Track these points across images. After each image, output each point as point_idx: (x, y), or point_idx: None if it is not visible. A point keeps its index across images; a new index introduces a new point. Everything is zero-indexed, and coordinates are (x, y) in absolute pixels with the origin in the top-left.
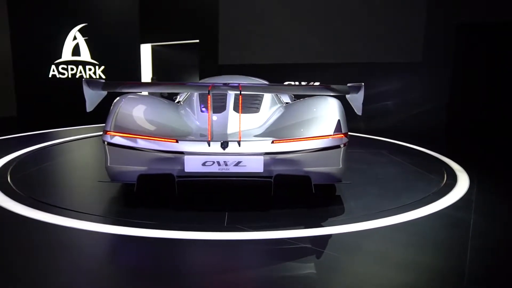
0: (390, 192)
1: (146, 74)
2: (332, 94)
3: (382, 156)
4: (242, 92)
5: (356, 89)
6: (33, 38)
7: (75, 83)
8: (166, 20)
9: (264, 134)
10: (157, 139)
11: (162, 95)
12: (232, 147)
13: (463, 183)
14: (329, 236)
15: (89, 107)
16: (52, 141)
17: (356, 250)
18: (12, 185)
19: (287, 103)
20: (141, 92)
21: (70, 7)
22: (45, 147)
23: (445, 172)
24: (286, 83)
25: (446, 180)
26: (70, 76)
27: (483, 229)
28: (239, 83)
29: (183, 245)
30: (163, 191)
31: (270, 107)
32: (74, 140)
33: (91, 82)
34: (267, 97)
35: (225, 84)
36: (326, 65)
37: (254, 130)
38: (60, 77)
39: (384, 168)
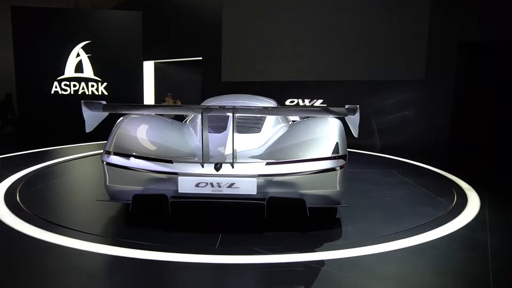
0: (396, 213)
1: (149, 91)
2: (329, 116)
3: (392, 176)
4: (239, 114)
5: (352, 111)
6: (37, 54)
7: (78, 99)
8: (169, 37)
9: (263, 155)
10: (152, 159)
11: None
12: (226, 169)
13: (473, 202)
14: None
15: (88, 128)
16: (57, 159)
17: (371, 274)
18: (20, 203)
19: (294, 121)
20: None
21: (74, 24)
22: (51, 165)
23: (454, 192)
24: (289, 100)
25: (456, 200)
26: (72, 92)
27: (502, 251)
28: (233, 106)
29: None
30: (159, 211)
31: (273, 126)
32: (78, 158)
33: (90, 104)
34: (270, 117)
35: (220, 107)
36: (329, 82)
37: (253, 150)
38: (62, 94)
39: (392, 189)
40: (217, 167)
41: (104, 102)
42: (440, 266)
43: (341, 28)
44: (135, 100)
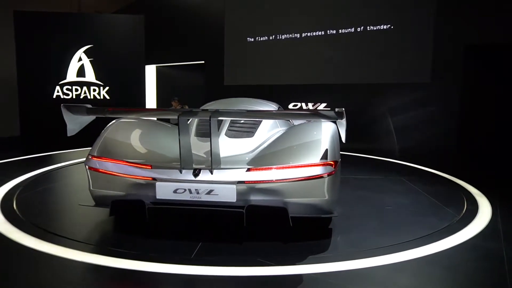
0: (395, 224)
1: (151, 95)
2: (320, 119)
3: (400, 183)
4: (222, 118)
5: (340, 115)
6: (39, 59)
7: (79, 104)
8: (171, 41)
9: (251, 161)
10: (132, 164)
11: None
12: (205, 175)
13: (485, 209)
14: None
15: (70, 132)
16: (58, 164)
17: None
18: (17, 211)
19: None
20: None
21: (76, 28)
22: (52, 170)
23: (464, 200)
24: (292, 104)
25: (466, 207)
26: (74, 96)
27: None
28: (215, 109)
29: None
30: (140, 217)
31: (268, 130)
32: (79, 163)
33: (72, 107)
34: (267, 121)
35: (203, 110)
36: (333, 86)
37: (242, 155)
38: (64, 98)
39: (396, 197)
40: (195, 173)
41: (89, 106)
42: (451, 279)
43: (347, 32)
44: (137, 104)
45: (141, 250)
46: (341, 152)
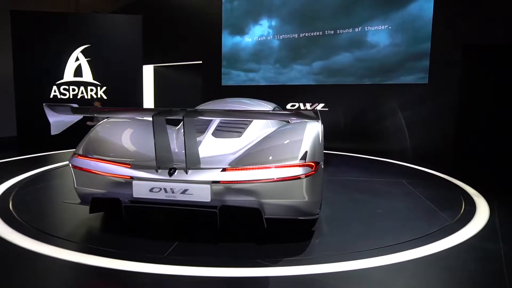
0: (382, 228)
1: (148, 96)
2: (302, 120)
3: (399, 186)
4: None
5: (316, 115)
6: (36, 58)
7: (76, 104)
8: (169, 41)
9: (234, 160)
10: (112, 163)
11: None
12: (181, 174)
13: (482, 210)
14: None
15: (54, 131)
16: (56, 164)
17: None
18: (13, 212)
19: None
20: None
21: (73, 28)
22: (48, 170)
23: (463, 202)
24: (289, 104)
25: (464, 207)
26: (71, 96)
27: None
28: (193, 109)
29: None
30: (119, 216)
31: (259, 130)
32: None
33: (56, 107)
34: (257, 121)
35: (182, 109)
36: (331, 87)
37: (226, 155)
38: (61, 98)
39: (391, 200)
40: (171, 172)
41: (75, 105)
42: (449, 280)
43: (343, 32)
44: (135, 104)
45: (117, 248)
46: (340, 153)
